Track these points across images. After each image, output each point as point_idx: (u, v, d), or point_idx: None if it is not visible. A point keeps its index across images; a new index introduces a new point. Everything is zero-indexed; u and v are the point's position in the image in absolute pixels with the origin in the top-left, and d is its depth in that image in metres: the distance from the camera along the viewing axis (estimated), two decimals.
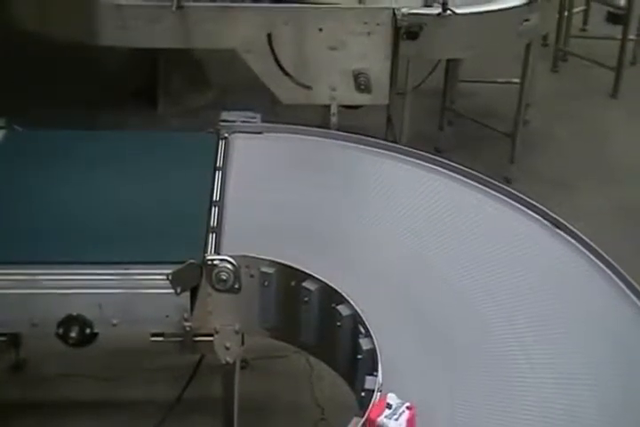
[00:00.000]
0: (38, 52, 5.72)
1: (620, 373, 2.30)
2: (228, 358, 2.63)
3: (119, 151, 3.10)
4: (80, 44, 4.74)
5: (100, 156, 3.06)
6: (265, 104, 4.29)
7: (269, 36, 4.47)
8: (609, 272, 2.64)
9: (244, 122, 3.26)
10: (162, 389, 3.52)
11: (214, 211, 2.73)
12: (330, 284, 2.47)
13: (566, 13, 6.68)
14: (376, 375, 2.18)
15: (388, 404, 1.96)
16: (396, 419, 1.93)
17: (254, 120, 3.27)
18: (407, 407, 1.95)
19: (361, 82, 4.55)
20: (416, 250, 2.69)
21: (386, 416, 1.93)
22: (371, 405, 1.97)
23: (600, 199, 5.16)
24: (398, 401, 1.96)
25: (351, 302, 2.40)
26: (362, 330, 2.33)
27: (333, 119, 4.57)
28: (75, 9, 4.57)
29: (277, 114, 4.25)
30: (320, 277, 2.49)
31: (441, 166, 3.09)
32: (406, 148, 3.23)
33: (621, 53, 6.41)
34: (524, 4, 4.76)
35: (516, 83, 5.29)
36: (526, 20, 4.78)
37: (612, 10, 7.19)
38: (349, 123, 4.48)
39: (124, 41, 4.60)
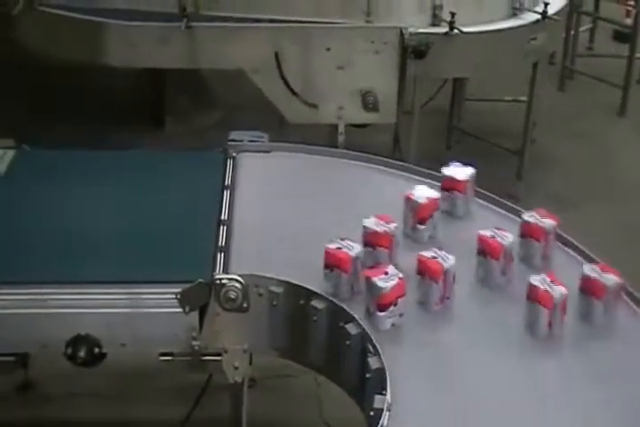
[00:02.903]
0: (46, 72, 5.75)
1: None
2: (237, 378, 2.63)
3: (127, 171, 3.10)
4: (88, 64, 4.77)
5: (108, 175, 3.07)
6: (272, 123, 4.30)
7: (277, 55, 4.49)
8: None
9: (251, 141, 3.27)
10: (170, 408, 3.52)
11: (222, 230, 2.74)
12: (338, 303, 2.47)
13: (573, 32, 6.70)
14: (385, 394, 2.17)
15: (386, 272, 2.38)
16: (386, 281, 2.36)
17: (262, 139, 3.28)
18: (399, 278, 2.37)
19: (368, 101, 4.57)
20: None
21: (380, 279, 2.36)
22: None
23: (607, 217, 5.16)
24: (395, 271, 2.38)
25: (359, 321, 2.40)
26: (370, 349, 2.33)
27: (341, 138, 4.58)
28: (83, 29, 4.60)
29: (285, 133, 4.26)
30: (328, 296, 2.49)
31: None
32: (414, 166, 3.24)
33: (628, 71, 6.43)
34: (531, 23, 4.79)
35: (523, 101, 5.30)
36: (533, 39, 4.80)
37: (618, 28, 7.22)
38: (357, 142, 4.49)
39: (132, 61, 4.63)
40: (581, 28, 6.94)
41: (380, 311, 2.38)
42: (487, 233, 2.58)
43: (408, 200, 2.75)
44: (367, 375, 2.32)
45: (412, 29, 4.48)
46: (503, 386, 2.25)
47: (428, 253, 2.48)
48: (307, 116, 4.61)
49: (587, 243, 2.82)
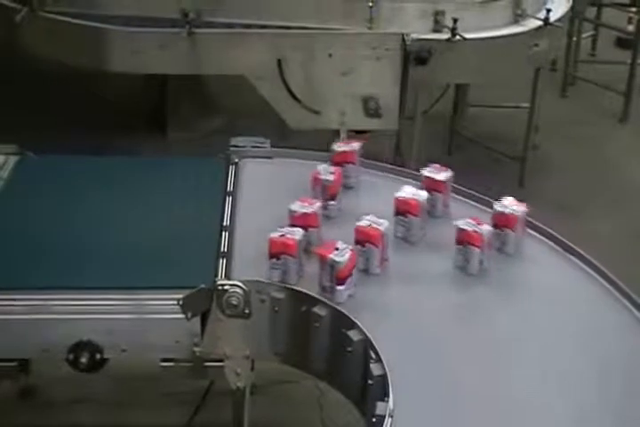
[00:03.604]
0: (49, 77, 5.76)
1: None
2: (239, 384, 2.63)
3: (129, 177, 3.11)
4: (91, 70, 4.77)
5: (110, 181, 3.07)
6: (274, 129, 4.30)
7: (279, 61, 4.49)
8: (619, 297, 2.63)
9: (253, 147, 3.27)
10: (172, 414, 3.51)
11: (225, 236, 2.74)
12: (340, 309, 2.47)
13: (575, 38, 6.71)
14: (387, 401, 2.17)
15: (337, 247, 2.48)
16: (341, 255, 2.46)
17: (264, 145, 3.28)
18: (350, 249, 2.49)
19: (370, 107, 4.57)
20: (424, 272, 2.69)
21: (335, 254, 2.46)
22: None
23: (609, 224, 5.15)
24: (344, 245, 2.49)
25: (362, 327, 2.39)
26: (372, 355, 2.33)
27: None
28: (85, 35, 4.61)
29: (287, 139, 4.26)
30: (330, 303, 2.48)
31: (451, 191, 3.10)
32: (415, 172, 3.24)
33: (630, 78, 6.43)
34: (533, 30, 4.79)
35: (525, 107, 5.30)
36: (535, 46, 4.81)
37: (620, 35, 7.22)
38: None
39: (135, 67, 4.63)
40: (583, 35, 6.95)
41: (340, 285, 2.47)
42: (403, 194, 2.77)
43: (316, 180, 2.87)
44: (369, 382, 2.32)
45: (414, 35, 4.49)
46: (443, 312, 2.53)
47: (363, 222, 2.60)
48: (309, 122, 4.62)
49: (590, 249, 2.82)
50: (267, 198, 3.01)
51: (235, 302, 2.51)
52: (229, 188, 3.02)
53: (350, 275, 2.49)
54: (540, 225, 2.90)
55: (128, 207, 2.92)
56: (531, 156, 5.29)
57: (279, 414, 3.65)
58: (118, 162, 3.30)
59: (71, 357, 2.49)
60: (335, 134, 4.61)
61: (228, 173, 3.12)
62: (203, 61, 4.56)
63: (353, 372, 2.44)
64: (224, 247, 2.69)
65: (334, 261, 2.46)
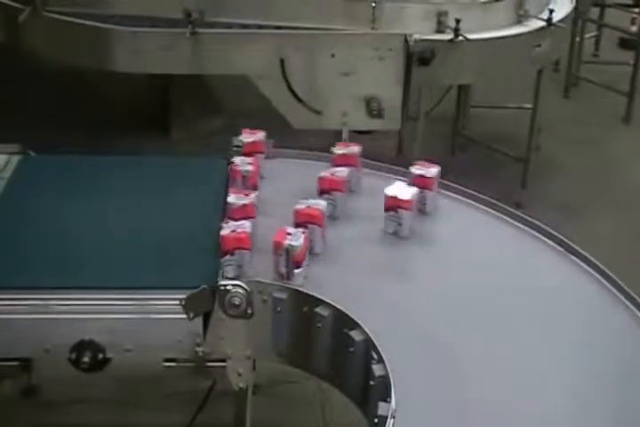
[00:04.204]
0: (52, 77, 5.77)
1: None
2: (241, 384, 2.62)
3: (132, 177, 3.11)
4: (93, 70, 4.78)
5: (112, 181, 3.07)
6: (276, 129, 4.30)
7: (282, 61, 4.50)
8: (622, 298, 2.63)
9: None
10: (174, 414, 3.51)
11: None
12: (342, 309, 2.47)
13: (578, 39, 6.71)
14: (389, 402, 2.17)
15: (288, 232, 2.56)
16: (296, 240, 2.54)
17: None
18: (302, 232, 2.57)
19: (373, 107, 4.57)
20: (426, 274, 2.69)
21: (289, 240, 2.54)
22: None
23: (612, 225, 5.15)
24: (295, 230, 2.58)
25: (364, 327, 2.39)
26: (374, 356, 2.33)
27: None
28: (88, 36, 4.61)
29: (289, 139, 4.26)
30: (333, 303, 2.48)
31: (453, 192, 3.10)
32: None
33: (633, 79, 6.43)
34: (536, 30, 4.79)
35: (527, 108, 5.31)
36: (538, 46, 4.81)
37: (623, 35, 7.22)
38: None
39: (138, 67, 4.63)
40: (587, 36, 6.95)
41: (298, 268, 2.55)
42: (326, 174, 2.89)
43: (235, 172, 2.95)
44: (371, 382, 2.32)
45: (416, 36, 4.49)
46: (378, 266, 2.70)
47: (301, 205, 2.69)
48: (311, 122, 4.62)
49: (592, 250, 2.82)
50: (268, 198, 3.01)
51: (237, 303, 2.50)
52: None
53: (305, 257, 2.56)
54: (542, 225, 2.90)
55: (130, 207, 2.92)
56: (533, 156, 5.29)
57: (281, 415, 3.65)
58: (120, 162, 3.29)
59: (73, 356, 2.48)
60: (337, 135, 4.62)
61: (229, 173, 3.11)
62: (205, 61, 4.56)
63: (355, 372, 2.44)
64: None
65: (291, 245, 2.52)
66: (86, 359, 2.48)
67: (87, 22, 4.58)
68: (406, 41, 4.48)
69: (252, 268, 2.60)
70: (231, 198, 2.75)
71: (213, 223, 2.78)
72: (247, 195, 2.77)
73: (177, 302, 2.46)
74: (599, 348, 2.45)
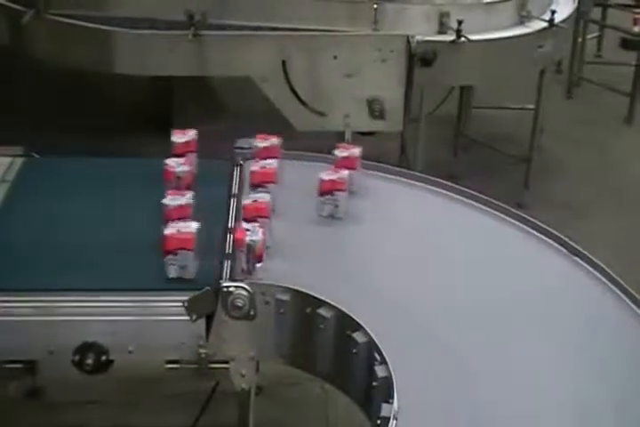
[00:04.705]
0: (54, 79, 5.77)
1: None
2: (244, 385, 2.63)
3: (135, 178, 3.11)
4: (96, 72, 4.78)
5: (115, 183, 3.08)
6: (279, 131, 4.30)
7: (284, 63, 4.50)
8: (625, 298, 2.63)
9: None
10: (177, 415, 3.52)
11: (229, 238, 2.74)
12: (345, 311, 2.47)
13: (580, 40, 6.71)
14: (392, 403, 2.17)
15: (246, 229, 2.60)
16: (256, 234, 2.58)
17: None
18: (259, 227, 2.61)
19: (375, 108, 4.57)
20: (429, 277, 2.69)
21: (249, 235, 2.57)
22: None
23: (615, 226, 5.15)
24: (252, 225, 2.62)
25: (367, 329, 2.40)
26: (377, 357, 2.33)
27: None
28: (91, 38, 4.62)
29: (291, 141, 4.26)
30: (335, 304, 2.49)
31: (455, 193, 3.10)
32: (420, 174, 3.24)
33: (636, 79, 6.43)
34: (539, 31, 4.79)
35: (530, 109, 5.30)
36: (540, 47, 4.81)
37: (626, 36, 7.21)
38: (363, 149, 4.48)
39: (141, 69, 4.64)
40: (589, 36, 6.95)
41: (258, 262, 2.58)
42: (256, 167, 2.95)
43: (169, 173, 2.96)
44: (374, 384, 2.32)
45: (419, 37, 4.49)
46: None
47: (249, 200, 2.75)
48: (314, 123, 4.62)
49: (594, 250, 2.82)
50: (271, 200, 3.01)
51: (240, 304, 2.51)
52: (234, 190, 3.03)
53: (264, 251, 2.61)
54: (545, 226, 2.90)
55: (133, 209, 2.92)
56: (536, 157, 5.29)
57: (284, 416, 3.66)
58: (124, 163, 3.30)
59: (77, 358, 2.49)
60: (340, 136, 4.63)
61: (232, 175, 3.12)
62: (208, 63, 4.57)
63: (357, 373, 2.44)
64: (229, 249, 2.69)
65: (252, 241, 2.54)
66: (90, 361, 2.48)
67: (90, 24, 4.58)
68: (408, 42, 4.48)
69: (195, 269, 2.58)
70: (167, 199, 2.75)
71: (216, 225, 2.79)
72: (183, 195, 2.78)
73: (180, 304, 2.46)
74: (601, 348, 2.46)
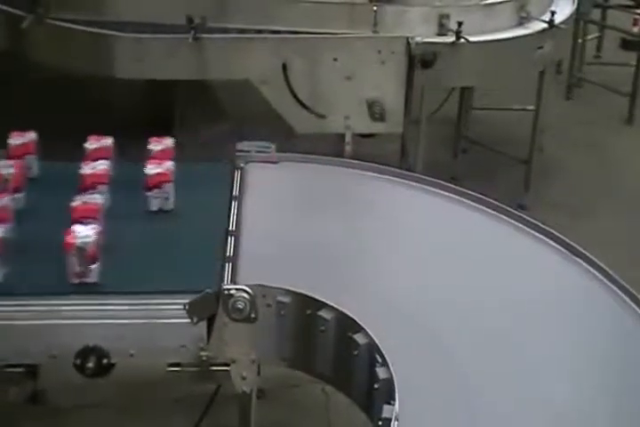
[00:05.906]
0: (55, 83, 5.77)
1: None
2: (245, 388, 2.63)
3: (135, 181, 3.11)
4: (97, 76, 4.78)
5: (116, 185, 3.08)
6: (280, 134, 4.31)
7: (284, 66, 4.50)
8: (627, 299, 2.63)
9: (259, 152, 3.28)
10: (178, 418, 3.52)
11: (230, 240, 2.75)
12: (346, 312, 2.47)
13: (580, 40, 6.71)
14: (393, 404, 2.17)
15: (74, 231, 2.55)
16: (89, 237, 2.53)
17: (269, 150, 3.29)
18: (93, 228, 2.56)
19: (375, 110, 4.58)
20: (430, 279, 2.69)
21: (79, 238, 2.52)
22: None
23: (615, 226, 5.15)
24: (82, 227, 2.56)
25: (368, 330, 2.40)
26: (378, 359, 2.33)
27: (348, 148, 4.59)
28: (91, 42, 4.62)
29: (292, 143, 4.27)
30: (336, 306, 2.49)
31: (456, 194, 3.10)
32: (421, 176, 3.24)
33: (636, 80, 6.43)
34: (538, 32, 4.79)
35: (530, 110, 5.30)
36: (540, 48, 4.81)
37: (625, 37, 7.22)
38: (364, 151, 4.49)
39: (141, 73, 4.64)
40: (589, 37, 6.95)
41: (93, 264, 2.54)
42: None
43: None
44: (375, 386, 2.32)
45: (418, 39, 4.50)
46: None
47: (77, 202, 2.71)
48: (314, 126, 4.62)
49: (595, 251, 2.82)
50: (272, 203, 3.02)
51: (241, 307, 2.51)
52: (235, 192, 3.03)
53: (98, 252, 2.57)
54: (546, 227, 2.90)
55: (134, 211, 2.93)
56: (536, 158, 5.29)
57: (285, 418, 3.66)
58: (124, 166, 3.30)
59: (78, 362, 2.49)
60: (340, 138, 4.63)
61: (233, 178, 3.12)
62: (208, 67, 4.57)
63: (359, 375, 2.44)
64: (230, 252, 2.69)
65: (84, 242, 2.52)
66: (91, 365, 2.48)
67: (90, 29, 4.58)
68: (408, 44, 4.49)
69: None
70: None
71: (217, 228, 2.79)
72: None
73: (181, 307, 2.47)
74: (603, 349, 2.46)
